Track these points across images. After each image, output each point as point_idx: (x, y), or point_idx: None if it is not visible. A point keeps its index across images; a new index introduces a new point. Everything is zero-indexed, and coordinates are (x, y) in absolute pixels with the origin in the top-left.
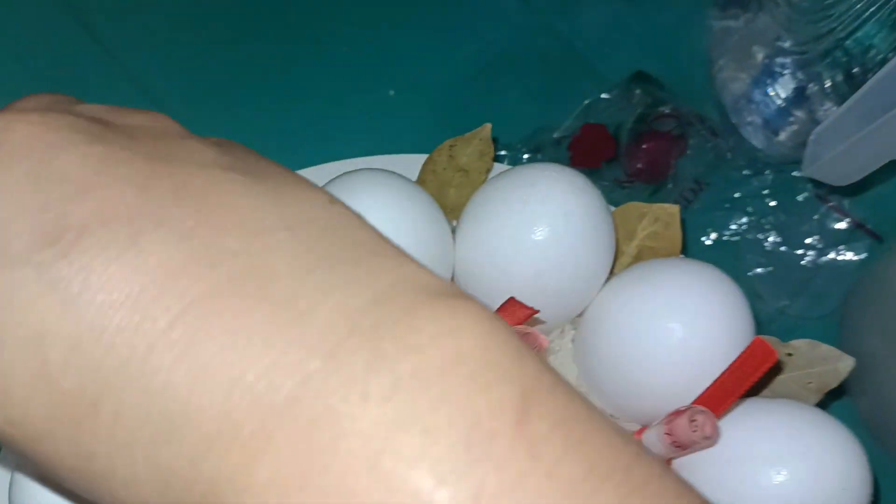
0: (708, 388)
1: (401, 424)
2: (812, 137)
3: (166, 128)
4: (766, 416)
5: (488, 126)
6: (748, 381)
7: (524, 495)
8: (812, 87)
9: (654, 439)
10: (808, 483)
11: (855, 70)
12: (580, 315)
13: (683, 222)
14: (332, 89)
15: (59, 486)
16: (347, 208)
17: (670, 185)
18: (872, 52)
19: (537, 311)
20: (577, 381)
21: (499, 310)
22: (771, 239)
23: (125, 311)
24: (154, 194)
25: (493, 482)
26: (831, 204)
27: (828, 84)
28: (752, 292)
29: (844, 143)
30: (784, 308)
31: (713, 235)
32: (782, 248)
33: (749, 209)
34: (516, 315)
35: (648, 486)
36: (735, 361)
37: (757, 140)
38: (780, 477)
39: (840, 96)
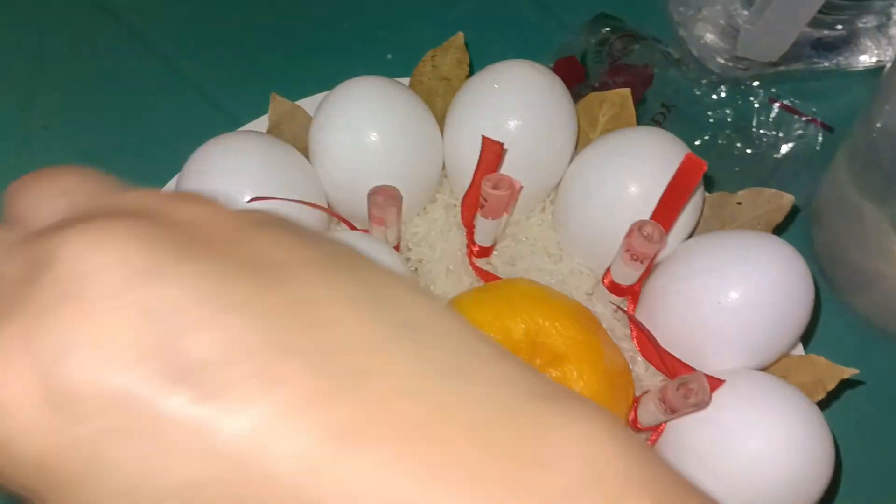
0: (655, 208)
1: None
2: (744, 22)
3: (219, 218)
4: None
5: (461, 34)
6: (686, 192)
7: None
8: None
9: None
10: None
11: None
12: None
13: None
14: (335, 56)
15: None
16: (433, 300)
17: (641, 112)
18: None
19: (503, 143)
20: (559, 247)
21: (481, 153)
22: (737, 144)
23: (268, 446)
24: (262, 319)
25: None
26: (783, 103)
27: None
28: None
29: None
30: None
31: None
32: (747, 151)
33: (711, 121)
34: (493, 149)
35: None
36: (672, 179)
37: (712, 62)
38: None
39: None
